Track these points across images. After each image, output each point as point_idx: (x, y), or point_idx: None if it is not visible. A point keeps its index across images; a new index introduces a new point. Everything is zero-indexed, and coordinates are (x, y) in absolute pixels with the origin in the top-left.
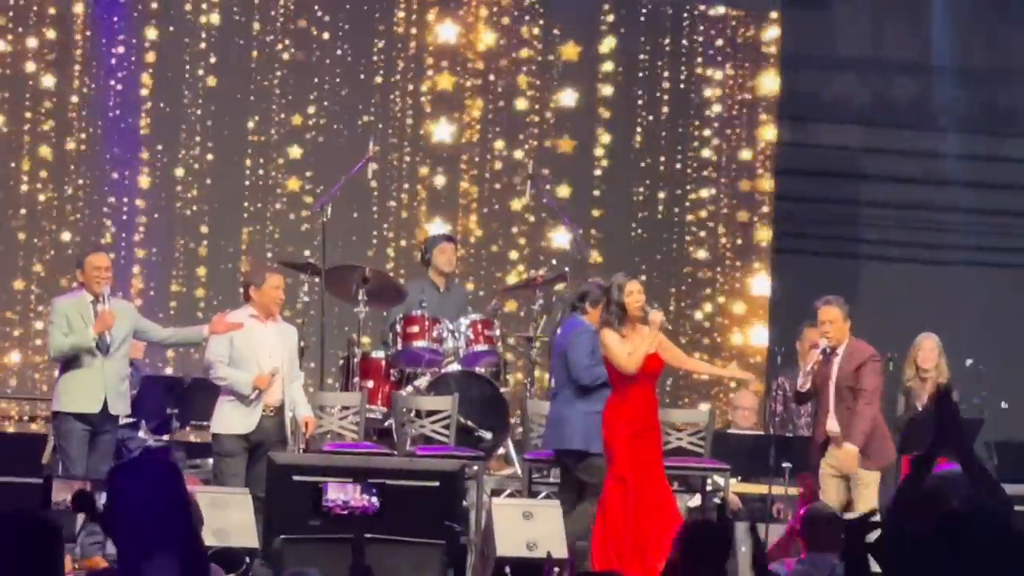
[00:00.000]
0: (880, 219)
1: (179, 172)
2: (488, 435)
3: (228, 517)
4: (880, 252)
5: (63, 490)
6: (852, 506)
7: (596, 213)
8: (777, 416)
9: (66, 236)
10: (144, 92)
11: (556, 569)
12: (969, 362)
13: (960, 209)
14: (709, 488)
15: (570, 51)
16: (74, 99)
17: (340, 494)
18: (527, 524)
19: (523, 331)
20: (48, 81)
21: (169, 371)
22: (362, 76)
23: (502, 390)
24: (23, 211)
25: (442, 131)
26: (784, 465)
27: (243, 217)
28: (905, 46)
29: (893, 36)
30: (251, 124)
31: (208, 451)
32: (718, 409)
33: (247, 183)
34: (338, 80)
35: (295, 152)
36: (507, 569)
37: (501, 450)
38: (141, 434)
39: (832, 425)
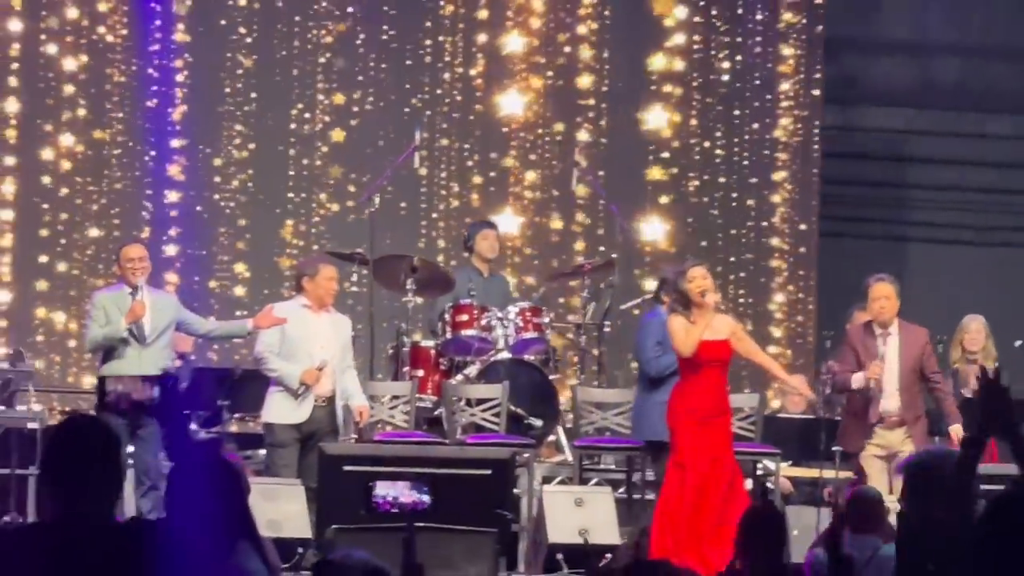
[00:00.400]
0: (926, 201)
1: (217, 162)
2: (538, 423)
3: (280, 508)
4: (927, 234)
5: None
6: (894, 487)
7: (660, 198)
8: (825, 400)
9: (94, 232)
10: (180, 78)
11: (608, 556)
12: (1018, 343)
13: (1006, 190)
14: (760, 472)
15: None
16: (107, 86)
17: (390, 491)
18: (578, 511)
19: (572, 318)
20: (70, 64)
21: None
22: (408, 61)
23: (552, 377)
24: (47, 205)
25: (496, 113)
26: (834, 449)
27: (287, 208)
28: (949, 27)
29: (937, 18)
30: (294, 112)
31: (260, 442)
32: (768, 394)
33: (291, 173)
34: (383, 64)
35: (337, 136)
36: (559, 556)
37: (552, 437)
38: (192, 426)
39: (891, 406)
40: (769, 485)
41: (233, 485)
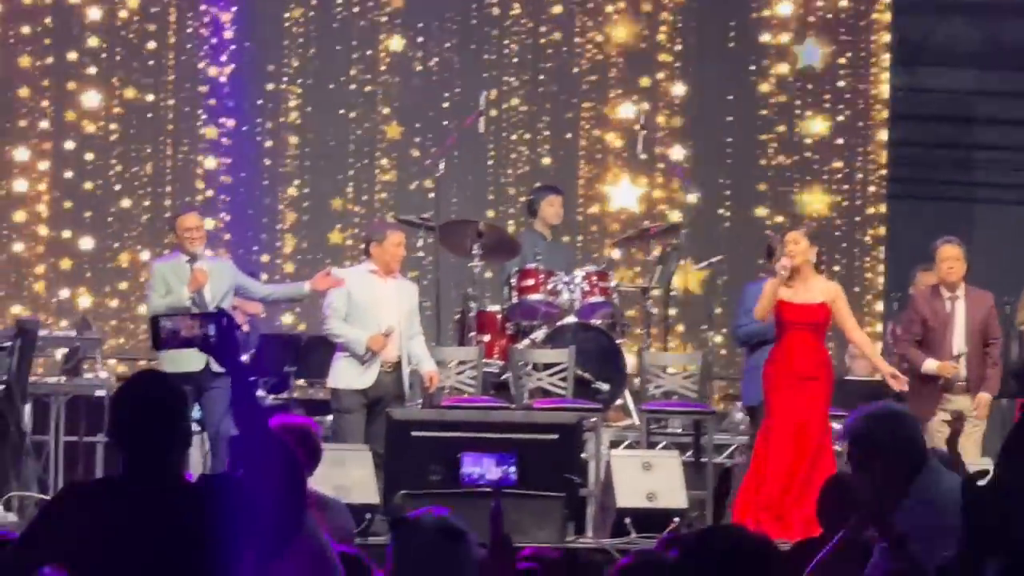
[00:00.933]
0: (993, 162)
1: (268, 125)
2: (605, 387)
3: (348, 473)
4: (994, 195)
5: None
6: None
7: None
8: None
9: (126, 203)
10: (228, 35)
11: (677, 520)
12: None
13: None
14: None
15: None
16: (149, 45)
17: (476, 468)
18: (646, 475)
19: (639, 282)
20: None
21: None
22: (474, 21)
23: (618, 341)
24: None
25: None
26: None
27: (348, 174)
28: None
29: None
30: (353, 71)
31: (326, 408)
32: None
33: (351, 137)
34: (450, 24)
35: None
36: (628, 520)
37: (619, 401)
38: (260, 392)
39: (962, 372)
40: (837, 448)
41: (293, 458)
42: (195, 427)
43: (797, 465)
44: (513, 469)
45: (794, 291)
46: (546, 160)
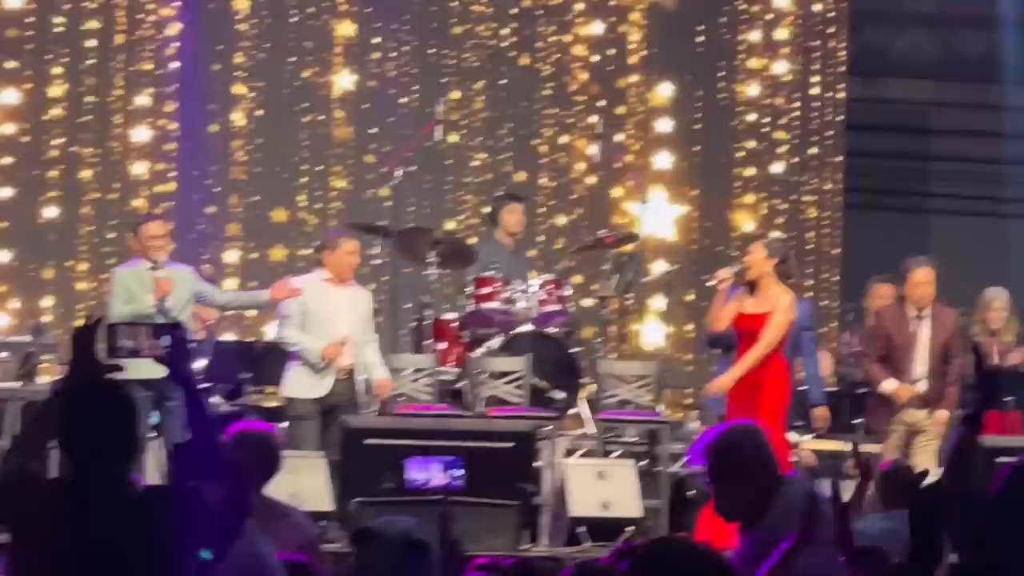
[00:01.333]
0: (949, 174)
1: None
2: (561, 395)
3: (302, 481)
4: (949, 206)
5: None
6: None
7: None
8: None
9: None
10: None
11: (631, 529)
12: None
13: None
14: None
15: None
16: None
17: (422, 473)
18: (601, 484)
19: (594, 291)
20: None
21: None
22: (434, 24)
23: (574, 350)
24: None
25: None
26: (856, 421)
27: (301, 181)
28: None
29: None
30: (306, 74)
31: (281, 416)
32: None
33: (304, 143)
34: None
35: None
36: (582, 529)
37: (574, 410)
38: (214, 399)
39: (919, 390)
40: (794, 458)
41: (238, 467)
42: (153, 433)
43: None
44: (460, 473)
45: (755, 302)
46: (507, 168)
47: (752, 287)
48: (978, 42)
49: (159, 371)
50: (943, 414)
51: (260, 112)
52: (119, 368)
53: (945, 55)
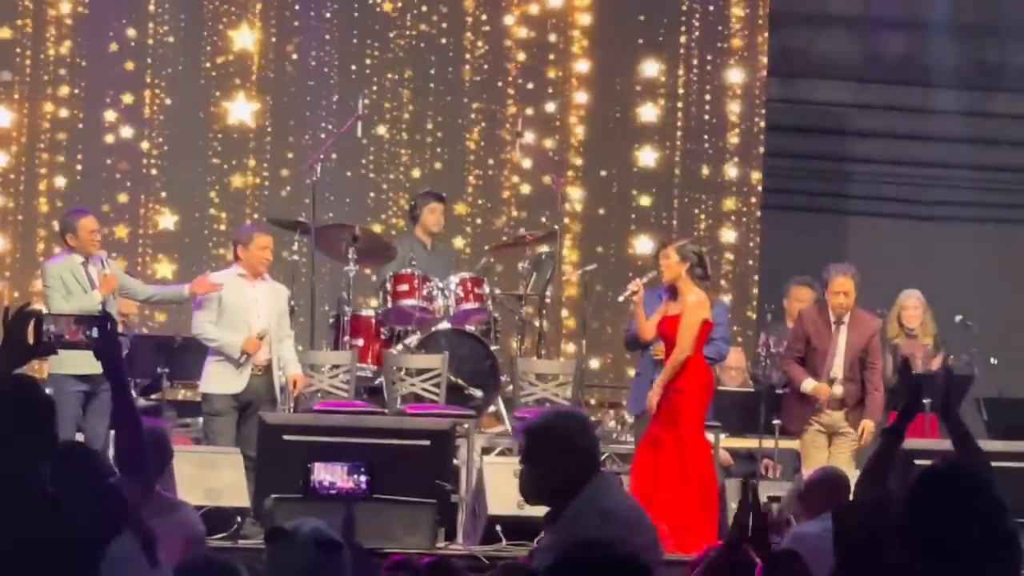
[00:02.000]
0: (869, 175)
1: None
2: (479, 393)
3: (219, 476)
4: (869, 208)
5: None
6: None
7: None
8: (764, 377)
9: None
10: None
11: None
12: (958, 318)
13: (949, 165)
14: None
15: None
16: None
17: (328, 476)
18: (518, 482)
19: (512, 289)
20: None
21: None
22: (356, 14)
23: (492, 348)
24: None
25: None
26: (774, 422)
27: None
28: (895, 2)
29: None
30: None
31: (198, 410)
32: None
33: (218, 136)
34: (329, 17)
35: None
36: (498, 527)
37: (492, 408)
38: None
39: (835, 393)
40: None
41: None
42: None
43: (653, 476)
44: (365, 479)
45: (674, 306)
46: (437, 164)
47: (673, 292)
48: (898, 43)
49: (95, 365)
50: (869, 424)
51: (168, 102)
52: (53, 351)
53: (865, 56)
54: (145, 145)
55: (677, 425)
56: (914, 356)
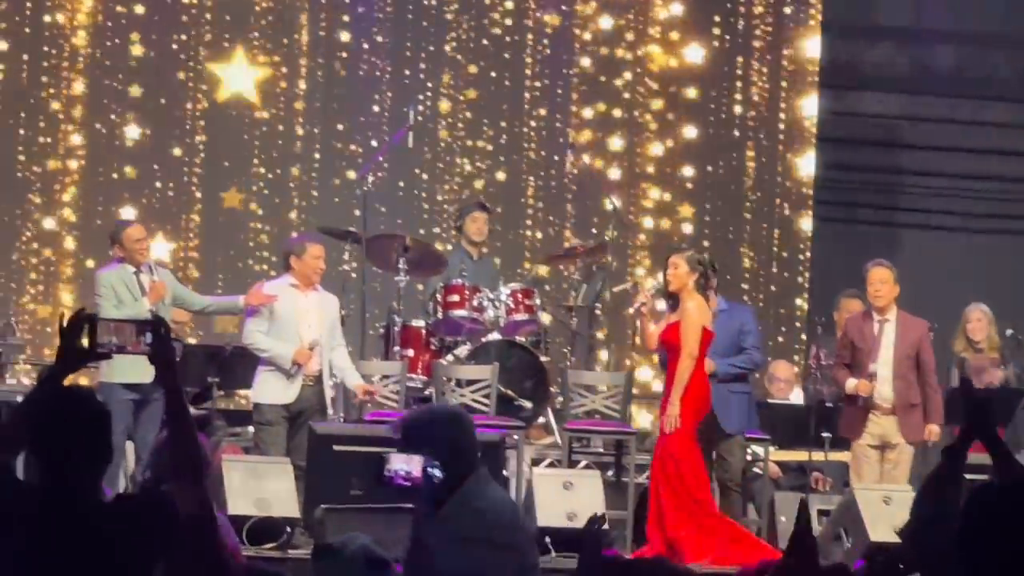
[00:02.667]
0: (920, 188)
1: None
2: (528, 404)
3: (269, 486)
4: (920, 221)
5: None
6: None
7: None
8: (814, 390)
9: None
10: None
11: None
12: (1009, 332)
13: (1000, 178)
14: (748, 458)
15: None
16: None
17: (403, 465)
18: (567, 494)
19: (563, 300)
20: None
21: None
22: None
23: (542, 359)
24: None
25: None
26: (824, 435)
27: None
28: (945, 14)
29: (933, 4)
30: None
31: (249, 419)
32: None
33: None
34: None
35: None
36: (547, 539)
37: (541, 419)
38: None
39: (884, 392)
40: (757, 470)
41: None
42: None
43: (652, 486)
44: (440, 474)
45: (675, 315)
46: (499, 175)
47: (674, 301)
48: (947, 56)
49: (145, 374)
50: (934, 428)
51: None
52: (108, 356)
53: (915, 69)
54: (178, 151)
55: (665, 435)
56: (983, 370)
